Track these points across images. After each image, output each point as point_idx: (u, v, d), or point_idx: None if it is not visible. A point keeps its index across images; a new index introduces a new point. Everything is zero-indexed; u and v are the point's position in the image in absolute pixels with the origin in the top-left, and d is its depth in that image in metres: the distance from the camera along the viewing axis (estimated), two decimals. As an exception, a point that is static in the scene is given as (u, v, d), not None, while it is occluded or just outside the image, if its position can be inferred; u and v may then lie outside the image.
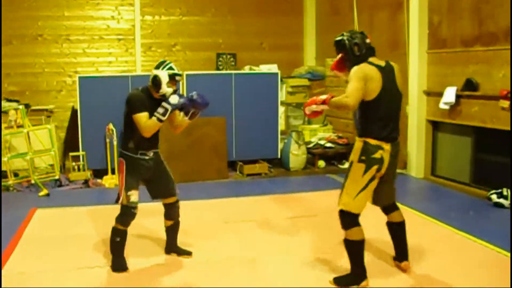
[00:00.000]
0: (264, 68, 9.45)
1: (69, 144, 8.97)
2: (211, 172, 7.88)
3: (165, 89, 4.13)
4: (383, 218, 4.27)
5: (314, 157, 8.71)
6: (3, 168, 7.30)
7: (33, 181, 7.22)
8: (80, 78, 7.90)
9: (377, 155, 3.82)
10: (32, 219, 5.79)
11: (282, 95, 9.25)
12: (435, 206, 6.26)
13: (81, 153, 7.84)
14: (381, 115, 3.84)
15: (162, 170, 4.42)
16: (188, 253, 4.65)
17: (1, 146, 7.23)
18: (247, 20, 10.26)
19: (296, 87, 9.78)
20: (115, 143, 7.47)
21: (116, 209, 4.28)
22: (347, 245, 3.95)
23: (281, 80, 8.99)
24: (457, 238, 5.06)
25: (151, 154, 4.29)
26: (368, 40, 3.91)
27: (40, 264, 4.47)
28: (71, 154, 7.97)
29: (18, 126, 7.55)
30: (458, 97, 6.88)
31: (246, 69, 9.45)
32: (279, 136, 8.66)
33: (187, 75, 8.13)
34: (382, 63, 3.88)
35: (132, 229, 4.35)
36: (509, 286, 3.88)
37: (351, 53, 3.87)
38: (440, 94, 7.13)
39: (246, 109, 8.37)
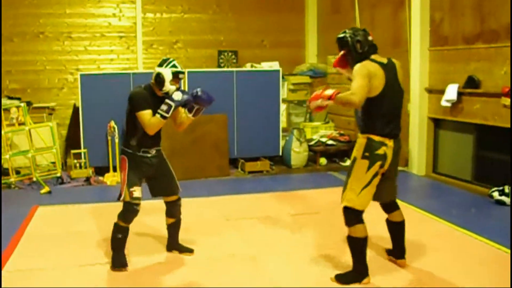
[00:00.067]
0: (266, 66, 9.45)
1: (71, 141, 8.98)
2: (213, 170, 7.89)
3: (169, 87, 4.12)
4: (384, 214, 4.28)
5: (316, 155, 8.71)
6: (5, 166, 7.32)
7: (34, 179, 7.23)
8: (81, 75, 7.90)
9: (380, 151, 3.83)
10: (33, 217, 5.80)
11: (283, 93, 9.24)
12: (437, 203, 6.26)
13: (82, 150, 7.84)
14: (384, 112, 3.85)
15: (164, 168, 4.41)
16: (190, 251, 4.65)
17: (1, 144, 7.24)
18: (248, 17, 10.25)
19: (297, 85, 9.77)
20: (116, 140, 7.48)
21: (118, 207, 4.28)
22: (350, 242, 3.95)
23: (283, 78, 8.98)
24: (458, 235, 5.07)
25: (153, 151, 4.28)
26: (370, 38, 3.91)
27: (41, 261, 4.48)
28: (72, 151, 7.97)
29: (20, 124, 7.57)
30: (459, 94, 6.87)
31: (248, 67, 9.45)
32: (281, 133, 8.66)
33: (188, 72, 8.12)
34: (385, 60, 3.89)
35: (134, 226, 4.34)
36: (509, 283, 3.88)
37: (354, 50, 3.87)
38: (441, 92, 7.12)
39: (248, 106, 8.37)
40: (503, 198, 6.01)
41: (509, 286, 3.86)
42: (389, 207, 4.23)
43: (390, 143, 3.87)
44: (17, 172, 7.55)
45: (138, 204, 4.19)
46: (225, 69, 9.67)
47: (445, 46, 7.22)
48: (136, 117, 4.12)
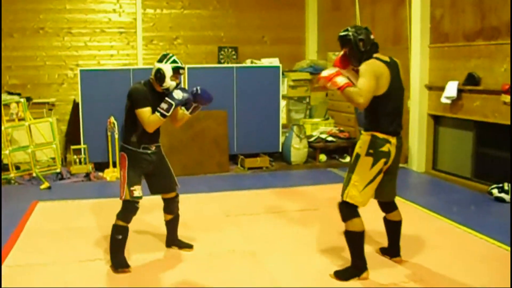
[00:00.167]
0: (266, 62, 9.44)
1: (71, 137, 8.98)
2: (212, 166, 7.89)
3: (169, 82, 4.08)
4: (381, 212, 4.29)
5: (316, 151, 8.70)
6: (5, 161, 7.32)
7: (34, 174, 7.23)
8: (81, 71, 7.89)
9: (384, 148, 3.85)
10: (33, 212, 5.81)
11: (283, 89, 9.24)
12: (436, 200, 6.26)
13: (82, 146, 7.84)
14: (389, 110, 3.88)
15: (163, 165, 4.39)
16: (189, 246, 4.66)
17: (1, 139, 7.24)
18: (248, 13, 10.24)
19: (297, 81, 9.76)
20: (116, 136, 7.48)
21: (117, 202, 4.25)
22: (347, 237, 3.96)
23: (283, 74, 8.98)
24: (458, 232, 5.07)
25: (153, 148, 4.25)
26: (372, 36, 3.91)
27: (41, 256, 4.49)
28: (72, 147, 7.97)
29: (20, 119, 7.57)
30: (459, 91, 6.87)
31: (248, 63, 9.44)
32: (281, 129, 8.65)
33: (188, 68, 8.11)
34: (387, 59, 3.90)
35: (132, 223, 4.28)
36: (509, 281, 3.89)
37: (356, 48, 3.86)
38: (441, 89, 7.12)
39: (248, 102, 8.36)
40: (503, 195, 6.02)
41: (509, 284, 3.86)
42: (388, 206, 4.24)
43: (393, 140, 3.89)
44: (17, 168, 7.55)
45: (138, 202, 4.15)
46: (225, 65, 9.66)
47: (446, 43, 7.22)
48: (135, 114, 4.08)
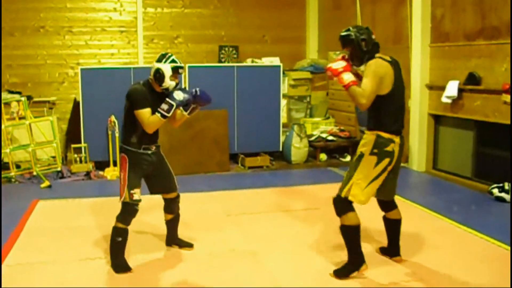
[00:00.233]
0: (266, 61, 9.45)
1: (71, 136, 8.99)
2: (213, 165, 7.89)
3: (168, 82, 4.06)
4: (381, 211, 4.29)
5: (316, 150, 8.70)
6: (6, 160, 7.32)
7: (35, 173, 7.23)
8: (82, 70, 7.89)
9: (389, 148, 3.87)
10: (34, 211, 5.81)
11: (284, 88, 9.24)
12: (437, 199, 6.26)
13: (83, 145, 7.84)
14: (392, 110, 3.90)
15: (163, 166, 4.37)
16: (190, 245, 4.66)
17: (2, 138, 7.24)
18: (249, 12, 10.24)
19: (298, 80, 9.77)
20: (117, 135, 7.48)
21: (118, 201, 4.24)
22: (343, 231, 3.97)
23: (283, 73, 8.98)
24: (458, 232, 5.07)
25: (153, 148, 4.23)
26: (373, 36, 3.91)
27: (41, 255, 4.49)
28: (73, 146, 7.97)
29: (20, 118, 7.57)
30: (460, 91, 6.87)
31: (248, 62, 9.44)
32: (281, 129, 8.65)
33: (189, 67, 8.11)
34: (389, 59, 3.91)
35: (132, 223, 4.27)
36: (509, 280, 3.89)
37: (359, 48, 3.86)
38: (442, 88, 7.12)
39: (248, 101, 8.36)
40: (503, 195, 6.02)
41: (509, 283, 3.86)
42: (388, 205, 4.25)
43: (397, 139, 3.91)
44: (18, 166, 7.56)
45: (137, 205, 4.14)
46: (226, 64, 9.65)
47: (446, 43, 7.21)
48: (135, 114, 4.06)
